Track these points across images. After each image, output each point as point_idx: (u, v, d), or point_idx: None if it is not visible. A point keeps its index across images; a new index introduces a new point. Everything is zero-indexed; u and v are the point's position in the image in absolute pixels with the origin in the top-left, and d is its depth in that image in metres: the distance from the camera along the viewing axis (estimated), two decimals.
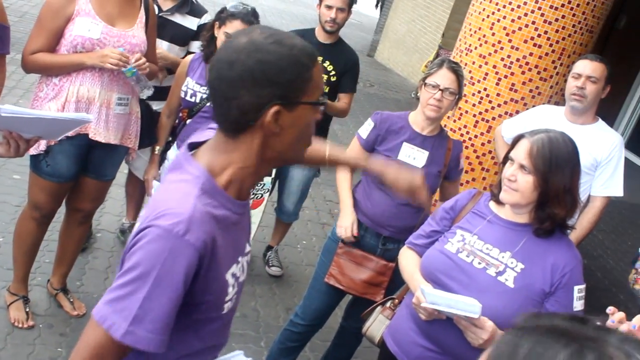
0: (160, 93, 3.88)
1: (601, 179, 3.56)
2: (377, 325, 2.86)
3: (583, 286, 2.28)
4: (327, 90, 4.29)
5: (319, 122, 4.64)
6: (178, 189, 1.45)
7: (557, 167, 2.23)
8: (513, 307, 2.23)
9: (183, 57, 3.95)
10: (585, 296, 2.30)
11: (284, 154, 1.53)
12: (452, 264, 2.34)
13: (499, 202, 2.42)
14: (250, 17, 3.46)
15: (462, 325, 2.23)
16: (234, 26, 3.38)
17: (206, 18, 4.15)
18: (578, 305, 2.26)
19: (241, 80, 1.41)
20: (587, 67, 3.51)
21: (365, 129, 3.19)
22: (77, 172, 3.40)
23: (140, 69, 3.21)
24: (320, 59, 1.56)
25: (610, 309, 1.77)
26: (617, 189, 3.58)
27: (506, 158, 2.37)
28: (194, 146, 1.60)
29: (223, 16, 3.46)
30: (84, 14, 3.14)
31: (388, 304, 2.90)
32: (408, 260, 2.59)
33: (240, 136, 1.48)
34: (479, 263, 2.31)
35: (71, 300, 3.70)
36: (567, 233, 2.38)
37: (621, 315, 1.74)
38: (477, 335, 2.19)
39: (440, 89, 2.99)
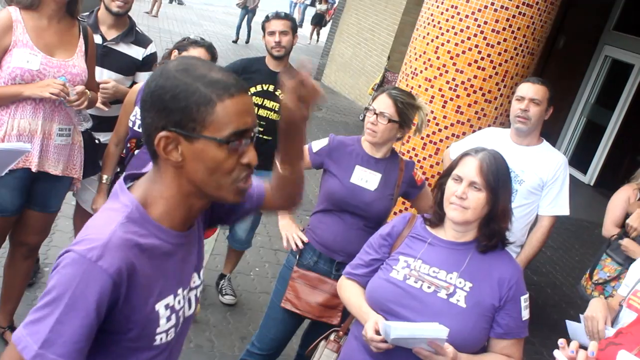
0: (107, 123, 3.82)
1: (548, 198, 3.64)
2: None
3: (527, 295, 2.35)
4: (278, 119, 4.28)
5: (268, 149, 4.68)
6: (103, 216, 1.48)
7: (504, 183, 2.31)
8: (468, 326, 2.26)
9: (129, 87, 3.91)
10: (531, 309, 2.39)
11: (203, 188, 1.50)
12: (402, 292, 2.33)
13: (433, 226, 2.45)
14: (213, 49, 3.57)
15: (423, 356, 2.21)
16: (198, 52, 3.44)
17: (152, 48, 4.11)
18: (525, 314, 2.32)
19: (146, 102, 1.45)
20: (530, 90, 3.59)
21: (319, 144, 3.22)
22: (21, 205, 3.31)
23: (75, 107, 3.19)
24: (250, 100, 1.51)
25: (561, 343, 1.78)
26: (563, 209, 3.66)
27: (444, 177, 2.41)
28: (135, 177, 1.62)
29: (185, 43, 3.48)
30: (21, 45, 3.07)
31: (332, 337, 2.87)
32: (351, 292, 2.54)
33: (159, 164, 1.50)
34: (429, 287, 2.30)
35: None
36: (505, 247, 2.43)
37: (575, 344, 1.76)
38: None
39: (375, 113, 3.04)
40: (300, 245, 3.19)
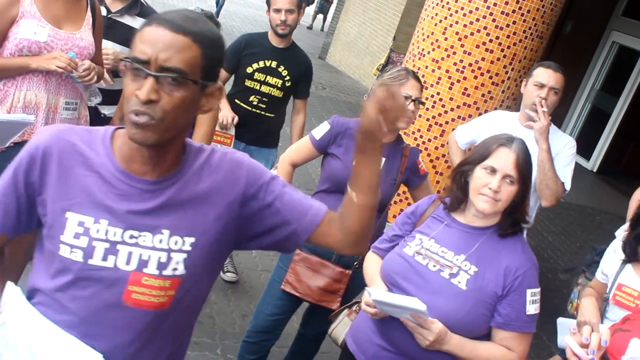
0: (111, 96, 3.79)
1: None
2: (341, 327, 2.86)
3: (537, 290, 2.30)
4: (281, 95, 4.28)
5: (270, 126, 4.55)
6: None
7: (530, 170, 2.32)
8: (465, 309, 2.26)
9: None
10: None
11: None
12: (409, 267, 2.37)
13: (452, 210, 2.46)
14: (215, 19, 3.55)
15: (409, 327, 2.26)
16: None
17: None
18: (531, 309, 2.28)
19: None
20: (551, 78, 3.51)
21: (320, 131, 3.16)
22: None
23: (84, 81, 3.15)
24: (160, 35, 1.47)
25: (573, 329, 1.76)
26: (566, 183, 3.60)
27: (464, 164, 2.40)
28: None
29: None
30: (29, 16, 3.02)
31: (354, 307, 2.90)
32: (370, 264, 2.62)
33: None
34: (434, 266, 2.33)
35: None
36: (522, 232, 2.43)
37: (589, 330, 1.74)
38: (424, 336, 2.22)
39: (412, 100, 2.98)
40: None
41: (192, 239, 1.62)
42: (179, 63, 1.46)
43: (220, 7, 16.80)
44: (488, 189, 2.27)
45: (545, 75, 3.52)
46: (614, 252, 2.85)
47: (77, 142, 1.57)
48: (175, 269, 1.60)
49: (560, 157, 3.57)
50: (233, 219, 1.68)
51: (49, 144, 1.56)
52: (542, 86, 3.51)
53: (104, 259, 1.55)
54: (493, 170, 2.28)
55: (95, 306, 1.56)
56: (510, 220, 2.35)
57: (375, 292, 2.29)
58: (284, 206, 1.72)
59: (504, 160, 2.27)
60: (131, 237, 1.56)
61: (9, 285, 1.64)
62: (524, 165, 2.27)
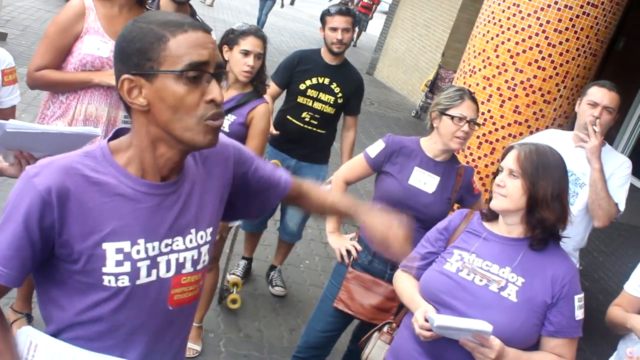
0: None
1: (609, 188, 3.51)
2: (377, 351, 2.85)
3: (582, 295, 2.35)
4: (333, 112, 4.31)
5: (322, 142, 4.55)
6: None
7: (544, 171, 2.31)
8: (518, 321, 2.28)
9: None
10: (584, 308, 2.37)
11: (169, 130, 1.50)
12: (454, 283, 2.37)
13: (489, 220, 2.49)
14: (261, 32, 3.50)
15: (469, 347, 2.25)
16: (250, 42, 3.39)
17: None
18: (579, 314, 2.32)
19: (114, 57, 1.54)
20: (605, 97, 3.47)
21: (375, 149, 3.18)
22: None
23: None
24: (205, 37, 1.50)
25: (630, 353, 1.75)
26: (620, 203, 3.54)
27: (497, 172, 2.45)
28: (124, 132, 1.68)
29: (233, 37, 3.44)
30: (92, 32, 3.13)
31: (385, 329, 2.89)
32: (405, 284, 2.59)
33: (132, 115, 1.54)
34: (480, 280, 2.34)
35: None
36: (560, 244, 2.43)
37: None
38: (485, 354, 2.21)
39: (467, 121, 2.98)
40: (355, 254, 3.19)
41: (211, 229, 1.71)
42: (221, 58, 1.55)
43: (263, 24, 16.38)
44: (496, 185, 2.37)
45: (600, 94, 3.49)
46: None
47: (86, 172, 1.50)
48: (204, 261, 1.71)
49: (615, 177, 3.53)
50: (227, 194, 1.80)
51: (61, 185, 1.46)
52: (595, 105, 3.47)
53: (148, 274, 1.58)
54: (501, 169, 2.40)
55: (144, 318, 1.61)
56: (533, 221, 2.34)
57: (439, 318, 2.25)
58: (261, 176, 1.88)
59: (509, 158, 2.38)
60: (166, 245, 1.60)
61: (27, 329, 1.60)
62: (526, 161, 2.31)
